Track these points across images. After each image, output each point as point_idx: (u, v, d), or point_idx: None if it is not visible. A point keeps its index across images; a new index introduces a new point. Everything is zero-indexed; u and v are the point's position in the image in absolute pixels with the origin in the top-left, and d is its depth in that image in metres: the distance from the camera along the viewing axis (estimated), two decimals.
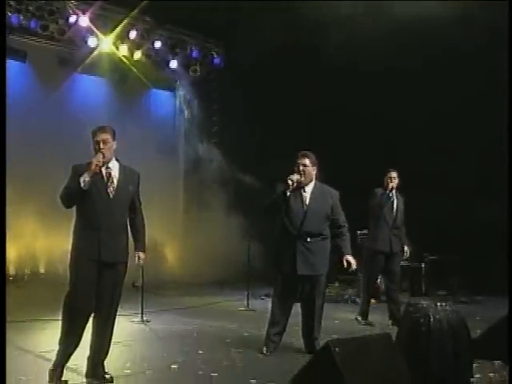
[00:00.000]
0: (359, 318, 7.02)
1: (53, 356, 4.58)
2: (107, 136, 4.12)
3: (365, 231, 9.88)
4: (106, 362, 4.29)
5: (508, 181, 6.66)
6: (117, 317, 7.06)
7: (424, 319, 4.14)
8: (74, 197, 4.05)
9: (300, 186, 5.20)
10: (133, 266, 10.69)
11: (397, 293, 7.04)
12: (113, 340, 5.32)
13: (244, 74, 12.11)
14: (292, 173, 5.22)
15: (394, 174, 6.77)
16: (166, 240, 13.52)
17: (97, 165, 3.97)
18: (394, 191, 6.75)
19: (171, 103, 14.03)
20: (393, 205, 6.80)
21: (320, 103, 11.26)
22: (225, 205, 12.92)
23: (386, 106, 10.27)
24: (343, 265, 5.33)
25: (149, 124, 13.18)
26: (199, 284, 11.82)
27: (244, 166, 12.25)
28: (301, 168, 5.19)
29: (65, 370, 4.22)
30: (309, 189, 5.28)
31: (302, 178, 5.18)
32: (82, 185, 3.94)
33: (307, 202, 5.23)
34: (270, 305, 5.56)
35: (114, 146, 4.19)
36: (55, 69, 11.58)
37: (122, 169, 4.24)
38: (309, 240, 5.18)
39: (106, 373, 4.18)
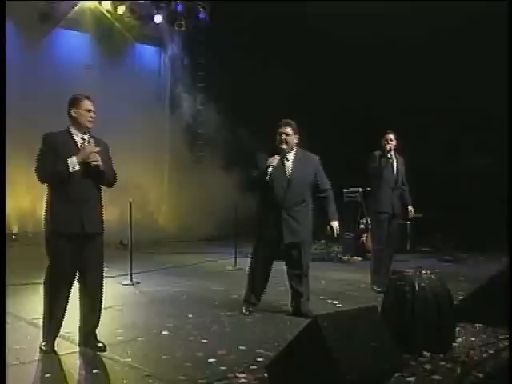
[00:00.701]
0: (375, 288, 6.60)
1: None
2: (95, 107, 4.10)
3: (352, 189, 10.05)
4: (98, 329, 4.34)
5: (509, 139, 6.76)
6: (106, 279, 7.20)
7: (409, 287, 4.23)
8: (57, 178, 4.00)
9: (282, 155, 5.25)
10: (120, 224, 10.70)
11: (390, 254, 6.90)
12: (104, 305, 5.42)
13: (231, 29, 11.91)
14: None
15: (391, 136, 6.66)
16: (153, 196, 13.53)
17: (89, 155, 3.95)
18: (392, 152, 6.64)
19: (156, 58, 13.80)
20: (393, 166, 6.70)
21: (311, 57, 11.19)
22: (213, 160, 12.90)
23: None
24: (327, 229, 5.42)
25: (133, 79, 12.97)
26: (187, 241, 11.94)
27: (232, 121, 12.17)
28: (283, 137, 5.22)
29: (58, 338, 4.28)
30: (291, 157, 5.31)
31: (285, 147, 5.22)
32: (72, 170, 3.92)
33: (290, 171, 5.28)
34: None
35: None
36: (36, 24, 11.26)
37: (93, 139, 4.16)
38: (293, 208, 5.26)
39: (98, 341, 4.22)
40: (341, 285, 7.06)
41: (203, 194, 12.45)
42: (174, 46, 13.22)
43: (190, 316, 5.32)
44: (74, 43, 12.16)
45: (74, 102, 4.09)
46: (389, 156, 6.63)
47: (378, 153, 6.73)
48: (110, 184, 4.31)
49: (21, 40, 11.23)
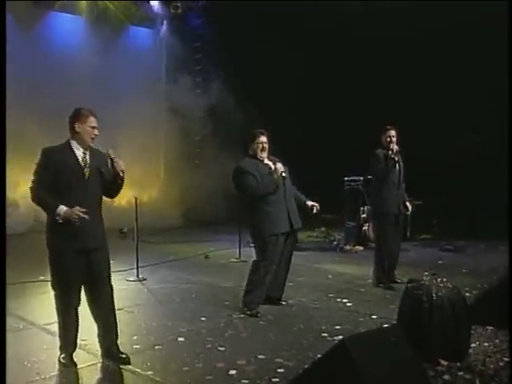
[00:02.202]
0: (379, 284, 6.62)
1: (56, 328, 4.63)
2: (97, 123, 4.02)
3: (353, 178, 10.03)
4: None
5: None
6: (112, 275, 7.16)
7: (426, 297, 4.26)
8: (46, 209, 3.95)
9: (261, 160, 5.60)
10: (118, 210, 10.57)
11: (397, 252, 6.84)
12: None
13: (228, 12, 11.74)
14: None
15: (393, 133, 6.46)
16: (150, 180, 13.46)
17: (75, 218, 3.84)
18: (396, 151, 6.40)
19: (152, 41, 13.55)
20: (396, 165, 6.49)
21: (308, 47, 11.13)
22: (211, 145, 12.78)
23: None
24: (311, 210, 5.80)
25: (129, 63, 12.78)
26: (188, 227, 11.89)
27: (229, 105, 12.07)
28: (264, 145, 5.60)
29: (78, 349, 4.27)
30: (266, 161, 5.62)
31: (265, 155, 5.61)
32: (57, 218, 3.84)
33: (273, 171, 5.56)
34: None
35: None
36: (29, 8, 11.01)
37: (93, 152, 4.07)
38: (291, 201, 5.66)
39: (121, 353, 4.19)
40: (347, 280, 7.08)
41: (202, 178, 12.43)
42: (169, 29, 12.97)
43: (203, 319, 5.32)
44: (68, 26, 11.92)
45: (79, 117, 3.98)
46: (396, 158, 6.40)
47: (381, 152, 6.50)
48: (118, 192, 4.25)
49: (14, 24, 10.97)
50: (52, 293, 4.14)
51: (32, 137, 10.44)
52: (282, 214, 5.52)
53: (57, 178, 3.90)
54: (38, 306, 5.83)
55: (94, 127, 3.99)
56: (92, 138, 4.00)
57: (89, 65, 11.80)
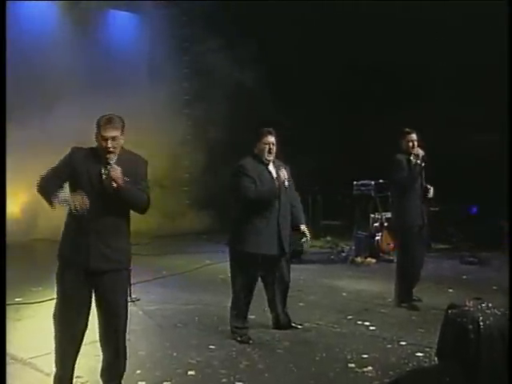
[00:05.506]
0: (403, 305, 6.55)
1: (45, 363, 4.51)
2: (117, 132, 3.74)
3: (363, 182, 9.96)
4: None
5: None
6: None
7: (472, 325, 4.18)
8: (46, 194, 3.77)
9: (266, 164, 5.38)
10: None
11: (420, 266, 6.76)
12: None
13: None
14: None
15: (414, 136, 6.34)
16: None
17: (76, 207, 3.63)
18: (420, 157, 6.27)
19: (133, 26, 13.33)
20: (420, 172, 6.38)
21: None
22: (202, 142, 12.65)
23: None
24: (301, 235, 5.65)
25: (108, 51, 12.59)
26: (179, 235, 11.75)
27: (219, 100, 11.99)
28: (271, 147, 5.33)
29: None
30: (271, 165, 5.43)
31: (271, 158, 5.38)
32: (54, 201, 3.67)
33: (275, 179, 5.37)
34: None
35: (122, 142, 3.83)
36: None
37: (123, 160, 3.84)
38: (286, 216, 5.42)
39: None
40: (364, 299, 7.01)
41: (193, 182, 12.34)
42: (153, 12, 12.71)
43: (212, 347, 5.19)
44: (38, 12, 11.66)
45: (97, 125, 3.77)
46: (422, 164, 6.29)
47: (402, 157, 6.40)
48: (140, 208, 3.98)
49: None
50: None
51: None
52: (268, 233, 5.28)
53: (72, 182, 3.75)
54: (18, 336, 5.56)
55: (109, 138, 3.70)
56: (108, 152, 3.72)
57: (63, 55, 11.59)
